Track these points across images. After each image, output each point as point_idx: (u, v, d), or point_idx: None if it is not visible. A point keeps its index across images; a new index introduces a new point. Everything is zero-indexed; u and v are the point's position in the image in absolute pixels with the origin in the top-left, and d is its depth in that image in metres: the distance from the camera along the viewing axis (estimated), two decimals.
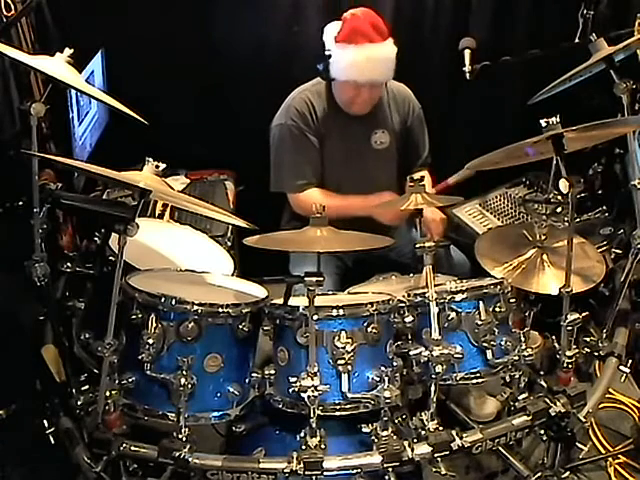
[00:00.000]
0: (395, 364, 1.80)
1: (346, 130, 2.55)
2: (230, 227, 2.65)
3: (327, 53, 2.39)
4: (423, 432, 1.72)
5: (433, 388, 1.74)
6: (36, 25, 2.62)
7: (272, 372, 1.83)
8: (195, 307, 1.74)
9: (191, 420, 1.73)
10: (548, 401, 1.84)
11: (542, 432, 1.89)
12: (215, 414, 1.79)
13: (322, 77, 2.48)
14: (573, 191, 1.76)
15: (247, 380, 1.85)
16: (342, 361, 1.72)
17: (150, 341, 1.71)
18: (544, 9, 3.08)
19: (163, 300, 1.74)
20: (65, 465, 1.80)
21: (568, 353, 1.85)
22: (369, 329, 1.77)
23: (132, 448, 1.72)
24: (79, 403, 1.81)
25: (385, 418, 1.70)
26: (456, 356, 1.75)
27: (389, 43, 2.38)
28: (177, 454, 1.67)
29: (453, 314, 1.85)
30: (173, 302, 1.73)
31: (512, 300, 1.94)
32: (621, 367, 2.13)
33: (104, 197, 2.78)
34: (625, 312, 2.30)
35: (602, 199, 2.86)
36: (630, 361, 2.17)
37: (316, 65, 2.45)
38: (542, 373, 2.18)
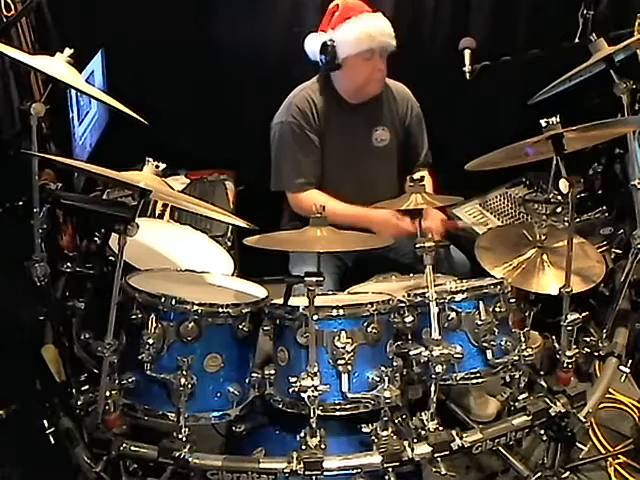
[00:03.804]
0: (395, 364, 1.80)
1: (347, 127, 2.55)
2: (230, 227, 2.65)
3: (328, 43, 2.41)
4: (423, 432, 1.72)
5: (433, 388, 1.74)
6: (36, 25, 2.62)
7: (272, 372, 1.83)
8: (195, 307, 1.74)
9: (191, 420, 1.73)
10: (548, 401, 1.84)
11: (542, 432, 1.89)
12: (215, 414, 1.79)
13: (327, 69, 2.49)
14: (573, 191, 1.76)
15: (247, 380, 1.85)
16: (342, 361, 1.72)
17: (150, 341, 1.71)
18: (544, 9, 3.08)
19: (163, 300, 1.74)
20: (65, 465, 1.80)
21: (568, 353, 1.85)
22: (369, 329, 1.77)
23: (132, 448, 1.72)
24: (79, 403, 1.81)
25: (385, 418, 1.70)
26: (456, 356, 1.75)
27: (380, 15, 2.46)
28: (177, 454, 1.67)
29: (453, 314, 1.85)
30: (173, 302, 1.73)
31: (512, 300, 1.94)
32: (621, 367, 2.13)
33: (104, 197, 2.78)
34: (625, 312, 2.30)
35: (602, 199, 2.86)
36: (630, 361, 2.16)
37: (314, 66, 2.46)
38: (542, 373, 2.18)
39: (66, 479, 1.83)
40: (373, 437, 1.70)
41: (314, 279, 1.65)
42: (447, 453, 1.71)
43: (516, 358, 1.86)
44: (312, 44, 2.50)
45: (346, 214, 2.42)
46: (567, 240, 1.82)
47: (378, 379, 1.74)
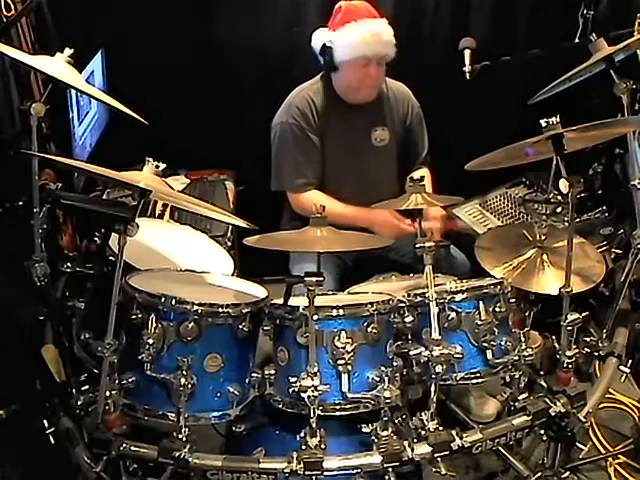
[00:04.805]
0: (395, 364, 1.80)
1: (347, 127, 2.55)
2: (230, 227, 2.65)
3: (327, 44, 2.42)
4: (423, 432, 1.72)
5: (433, 388, 1.74)
6: (36, 25, 2.62)
7: (272, 372, 1.83)
8: (195, 307, 1.74)
9: (191, 420, 1.73)
10: (548, 401, 1.84)
11: (542, 432, 1.89)
12: (215, 414, 1.79)
13: (325, 70, 2.50)
14: (573, 191, 1.76)
15: (247, 380, 1.85)
16: (342, 361, 1.72)
17: (150, 341, 1.71)
18: (544, 9, 3.08)
19: (163, 300, 1.74)
20: (65, 465, 1.80)
21: (568, 353, 1.85)
22: (369, 329, 1.77)
23: (132, 448, 1.72)
24: (79, 403, 1.81)
25: (385, 418, 1.70)
26: (456, 356, 1.75)
27: (385, 21, 2.44)
28: (177, 454, 1.67)
29: (453, 314, 1.85)
30: (173, 302, 1.73)
31: (512, 300, 1.94)
32: (621, 367, 2.13)
33: (104, 197, 2.78)
34: (625, 312, 2.30)
35: (602, 199, 2.86)
36: (630, 361, 2.16)
37: (316, 65, 2.46)
38: (542, 373, 2.18)
39: (66, 479, 1.83)
40: (373, 437, 1.70)
41: (314, 279, 1.65)
42: (447, 453, 1.71)
43: (516, 358, 1.86)
44: (317, 40, 2.49)
45: (346, 214, 2.43)
46: (567, 240, 1.82)
47: (378, 379, 1.74)
